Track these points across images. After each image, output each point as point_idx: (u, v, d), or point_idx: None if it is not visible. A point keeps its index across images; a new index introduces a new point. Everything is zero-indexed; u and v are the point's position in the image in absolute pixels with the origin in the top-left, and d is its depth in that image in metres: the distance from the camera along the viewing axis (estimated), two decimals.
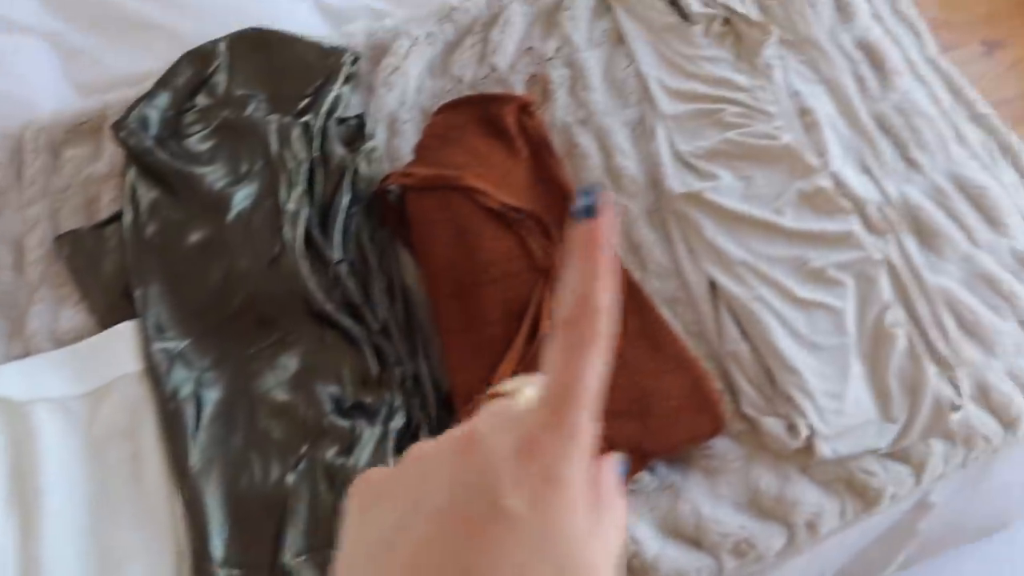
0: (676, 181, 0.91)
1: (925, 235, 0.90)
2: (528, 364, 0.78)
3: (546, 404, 0.27)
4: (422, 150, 0.90)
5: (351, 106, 0.98)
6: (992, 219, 0.91)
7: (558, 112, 0.99)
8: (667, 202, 0.91)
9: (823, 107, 0.97)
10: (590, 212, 0.28)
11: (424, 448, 0.29)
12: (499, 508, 0.25)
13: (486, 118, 0.92)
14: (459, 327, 0.81)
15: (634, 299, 0.83)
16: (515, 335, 0.79)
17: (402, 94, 1.00)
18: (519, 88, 1.01)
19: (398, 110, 0.99)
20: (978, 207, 0.92)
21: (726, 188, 0.90)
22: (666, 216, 0.91)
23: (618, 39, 1.05)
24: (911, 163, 0.95)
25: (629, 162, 0.95)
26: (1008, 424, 0.82)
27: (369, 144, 0.92)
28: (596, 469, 0.28)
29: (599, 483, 0.28)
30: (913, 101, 0.98)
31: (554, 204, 0.89)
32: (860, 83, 1.01)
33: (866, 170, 0.93)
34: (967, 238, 0.90)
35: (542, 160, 0.92)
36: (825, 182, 0.89)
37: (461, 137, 0.90)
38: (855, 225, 0.87)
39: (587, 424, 0.27)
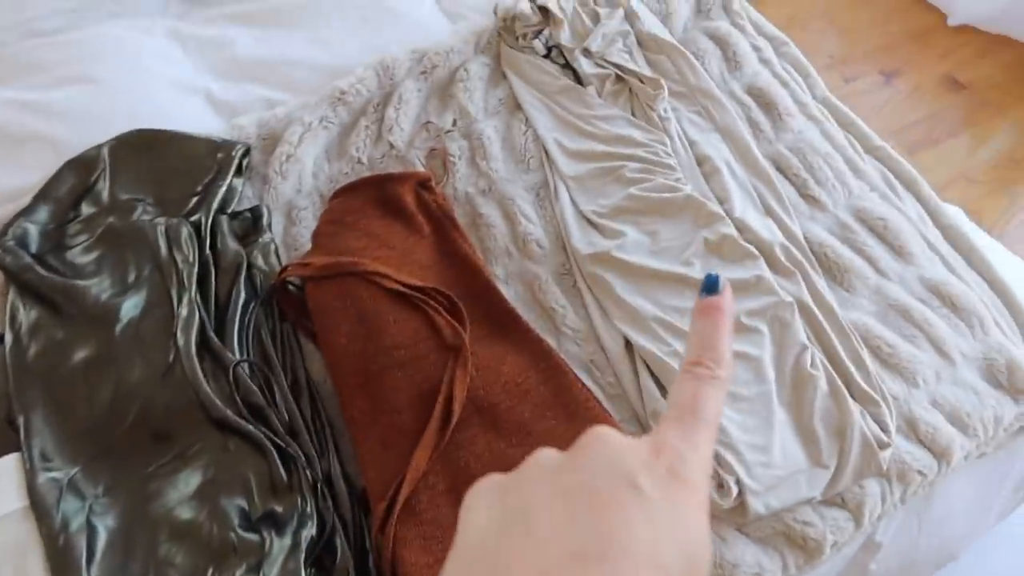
0: (582, 242, 0.90)
1: (834, 272, 0.90)
2: (446, 451, 0.75)
3: (675, 420, 0.31)
4: (319, 237, 0.87)
5: (245, 199, 0.95)
6: (897, 249, 0.92)
7: (459, 184, 0.98)
8: (576, 264, 0.90)
9: (720, 154, 0.97)
10: (712, 290, 0.34)
11: (545, 452, 0.30)
12: (634, 486, 0.27)
13: (383, 198, 0.90)
14: (367, 419, 0.77)
15: (546, 367, 0.80)
16: (427, 421, 0.75)
17: (298, 181, 0.97)
18: (419, 163, 1.00)
19: (295, 198, 0.96)
20: (882, 238, 0.93)
21: (632, 244, 0.89)
22: (576, 279, 0.90)
23: (514, 106, 1.05)
24: (812, 201, 0.96)
25: (534, 227, 0.93)
26: (940, 455, 0.81)
27: (264, 237, 0.89)
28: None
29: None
30: (808, 140, 1.00)
31: (460, 278, 0.87)
32: (754, 127, 1.02)
33: (768, 212, 0.93)
34: (875, 270, 0.90)
35: (445, 235, 0.90)
36: (729, 229, 0.89)
37: (358, 220, 0.88)
38: (763, 269, 0.87)
39: (709, 442, 0.31)
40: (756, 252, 0.88)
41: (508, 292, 0.89)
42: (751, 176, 0.96)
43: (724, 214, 0.91)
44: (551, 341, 0.85)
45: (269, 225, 0.91)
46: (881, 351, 0.85)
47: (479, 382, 0.78)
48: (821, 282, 0.88)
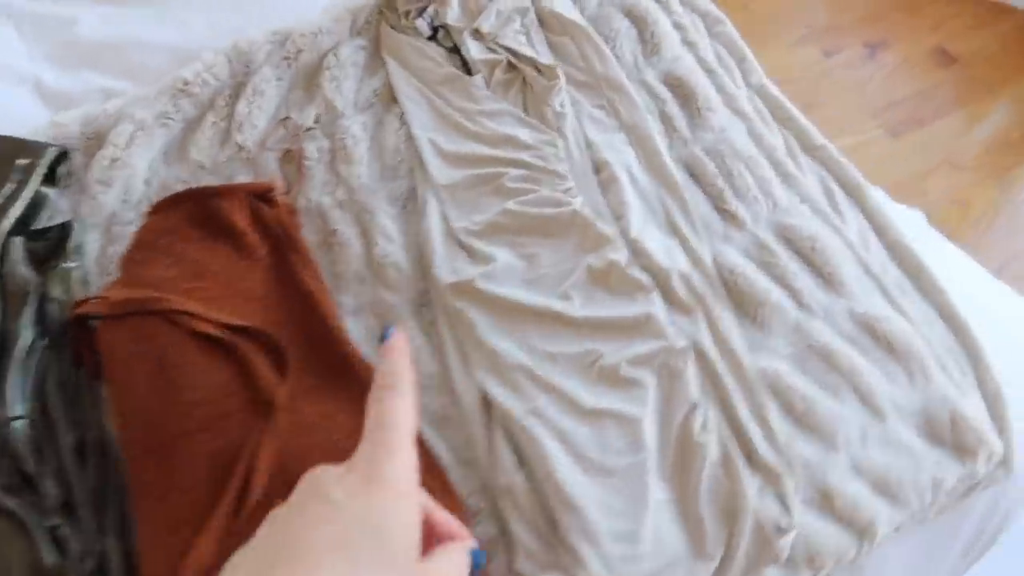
0: (445, 268, 0.76)
1: (746, 305, 0.75)
2: (238, 536, 0.61)
3: (367, 437, 0.38)
4: (126, 264, 0.73)
5: (59, 213, 0.81)
6: (826, 276, 0.77)
7: (313, 193, 0.83)
8: (436, 295, 0.75)
9: (622, 159, 0.82)
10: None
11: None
12: (326, 499, 0.35)
13: (206, 215, 0.75)
14: (155, 492, 0.63)
15: None
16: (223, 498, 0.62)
17: (124, 191, 0.83)
18: (272, 168, 0.85)
19: (120, 210, 0.82)
20: (808, 262, 0.78)
21: (503, 271, 0.74)
22: (436, 313, 0.75)
23: (391, 99, 0.89)
24: (728, 217, 0.80)
25: (394, 247, 0.78)
26: (862, 533, 0.67)
27: (68, 262, 0.75)
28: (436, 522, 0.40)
29: (432, 529, 0.39)
30: (730, 140, 0.84)
31: (293, 313, 0.73)
32: (667, 125, 0.86)
33: (673, 231, 0.78)
34: (796, 303, 0.75)
35: (283, 258, 0.76)
36: (618, 254, 0.74)
37: (172, 244, 0.73)
38: (655, 305, 0.72)
39: (404, 446, 0.37)
40: (648, 283, 0.73)
41: (356, 328, 0.75)
42: (657, 186, 0.81)
43: (615, 235, 0.76)
44: None
45: (78, 246, 0.77)
46: (794, 407, 0.70)
47: (295, 448, 0.65)
48: (728, 319, 0.73)
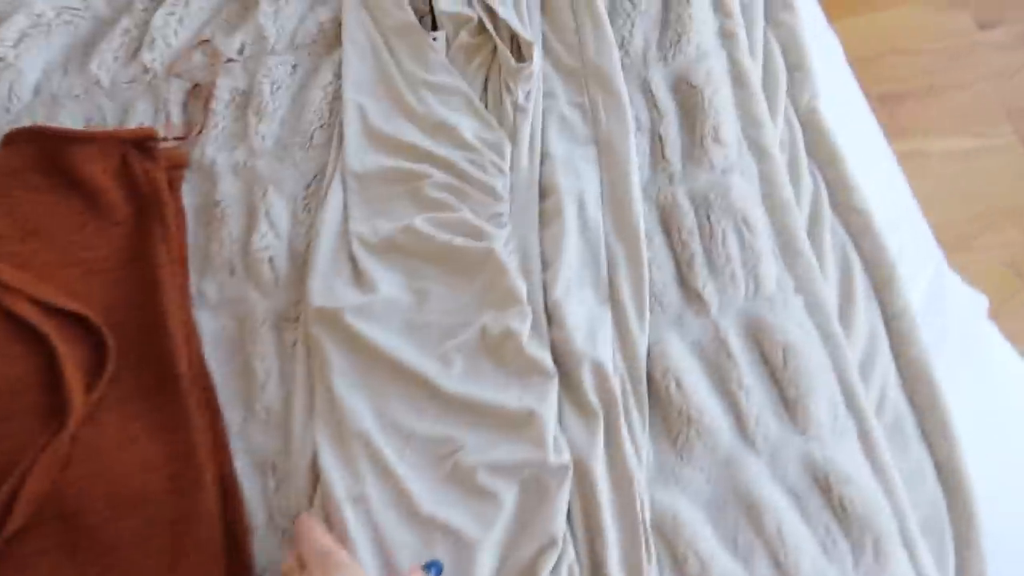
0: (320, 284, 0.62)
1: (669, 421, 0.58)
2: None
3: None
4: None
5: None
6: (791, 402, 0.59)
7: (210, 147, 0.69)
8: (304, 315, 0.62)
9: (579, 185, 0.64)
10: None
11: None
12: None
13: (57, 161, 0.63)
14: None
15: (184, 471, 0.56)
16: None
17: (7, 96, 0.71)
18: (175, 102, 0.71)
19: None
20: (775, 379, 0.60)
21: (384, 306, 0.60)
22: (299, 339, 0.62)
23: (336, 39, 0.73)
24: (690, 294, 0.62)
25: (277, 241, 0.65)
26: None
27: None
28: None
29: None
30: (727, 188, 0.64)
31: (136, 297, 0.62)
32: (656, 149, 0.67)
33: (611, 299, 0.61)
34: (738, 431, 0.59)
35: (145, 228, 0.64)
36: (521, 324, 0.58)
37: (9, 189, 0.62)
38: (546, 401, 0.56)
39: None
40: (549, 369, 0.57)
41: (210, 327, 0.63)
42: (612, 231, 0.63)
43: (530, 291, 0.59)
44: (235, 418, 0.61)
45: None
46: (687, 567, 0.55)
47: (78, 475, 0.56)
48: (638, 433, 0.57)
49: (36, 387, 0.58)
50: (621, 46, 0.70)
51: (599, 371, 0.58)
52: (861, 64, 0.93)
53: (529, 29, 0.69)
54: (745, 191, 0.64)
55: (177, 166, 0.67)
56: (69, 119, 0.71)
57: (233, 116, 0.70)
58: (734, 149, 0.66)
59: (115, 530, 0.55)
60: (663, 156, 0.66)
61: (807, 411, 0.59)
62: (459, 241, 0.61)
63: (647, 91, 0.68)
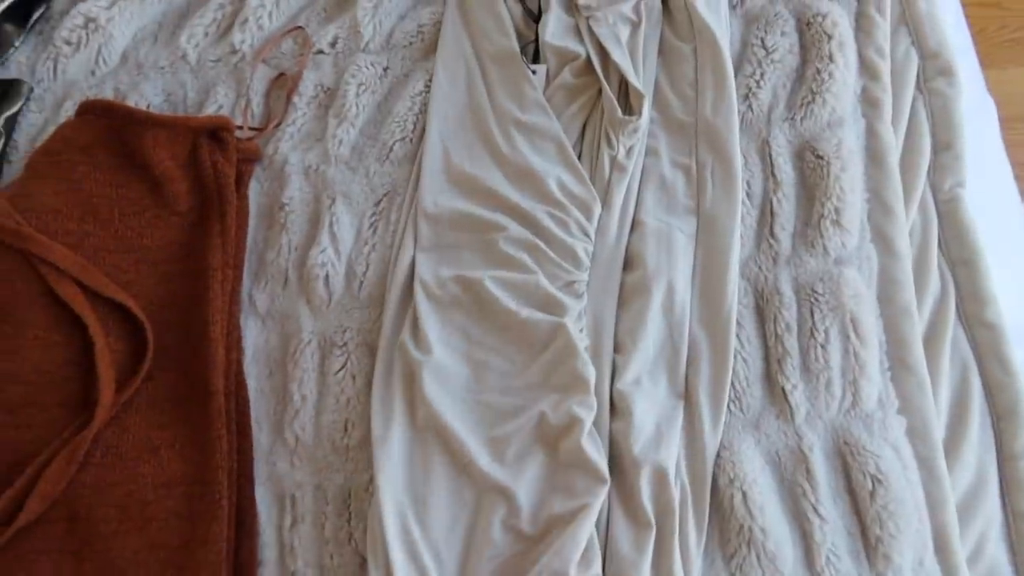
0: (389, 325, 0.57)
1: (726, 532, 0.52)
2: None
3: None
4: (28, 169, 0.61)
5: (14, 63, 0.69)
6: (873, 542, 0.52)
7: (284, 144, 0.65)
8: (384, 350, 0.58)
9: (670, 263, 0.57)
10: None
11: None
12: None
13: (127, 142, 0.60)
14: None
15: (200, 493, 0.53)
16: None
17: (94, 59, 0.69)
18: (258, 88, 0.68)
19: (82, 82, 0.69)
20: (856, 510, 0.52)
21: (436, 372, 0.55)
22: (346, 365, 0.58)
23: (433, 46, 0.67)
24: (775, 395, 0.55)
25: (336, 259, 0.61)
26: None
27: None
28: None
29: None
30: (839, 282, 0.56)
31: (183, 295, 0.59)
32: (764, 222, 0.59)
33: (685, 396, 0.54)
34: (806, 562, 0.52)
35: (206, 222, 0.61)
36: (585, 414, 0.52)
37: (75, 164, 0.60)
38: (589, 510, 0.50)
39: None
40: (605, 476, 0.51)
41: (254, 338, 0.60)
42: (700, 318, 0.56)
43: (591, 382, 0.53)
44: (263, 441, 0.57)
45: (11, 117, 0.66)
46: None
47: (94, 479, 0.53)
48: (692, 553, 0.51)
49: (72, 379, 0.56)
50: (745, 98, 0.62)
51: (660, 478, 0.52)
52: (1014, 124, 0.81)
53: (643, 75, 0.62)
54: (860, 289, 0.56)
55: (249, 160, 0.64)
56: (151, 91, 0.68)
57: (314, 114, 0.66)
58: (855, 237, 0.58)
59: (121, 543, 0.53)
60: (771, 232, 0.59)
61: (889, 557, 0.51)
62: (525, 313, 0.55)
63: (766, 154, 0.61)
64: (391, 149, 0.64)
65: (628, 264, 0.58)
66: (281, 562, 0.55)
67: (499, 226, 0.58)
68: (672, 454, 0.52)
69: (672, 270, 0.57)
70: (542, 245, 0.57)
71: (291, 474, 0.57)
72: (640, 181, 0.60)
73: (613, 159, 0.59)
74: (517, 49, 0.64)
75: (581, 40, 0.64)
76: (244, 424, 0.57)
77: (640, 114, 0.60)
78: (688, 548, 0.51)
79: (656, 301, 0.56)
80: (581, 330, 0.55)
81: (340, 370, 0.58)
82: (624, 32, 0.63)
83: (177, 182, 0.61)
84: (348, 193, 0.63)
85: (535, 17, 0.66)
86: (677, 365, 0.55)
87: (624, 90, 0.62)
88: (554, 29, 0.64)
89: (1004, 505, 0.57)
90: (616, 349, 0.55)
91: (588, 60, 0.63)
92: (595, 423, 0.53)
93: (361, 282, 0.60)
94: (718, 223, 0.58)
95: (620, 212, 0.59)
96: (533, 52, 0.65)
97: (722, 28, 0.63)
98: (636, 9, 0.64)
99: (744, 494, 0.52)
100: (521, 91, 0.63)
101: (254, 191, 0.65)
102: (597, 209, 0.58)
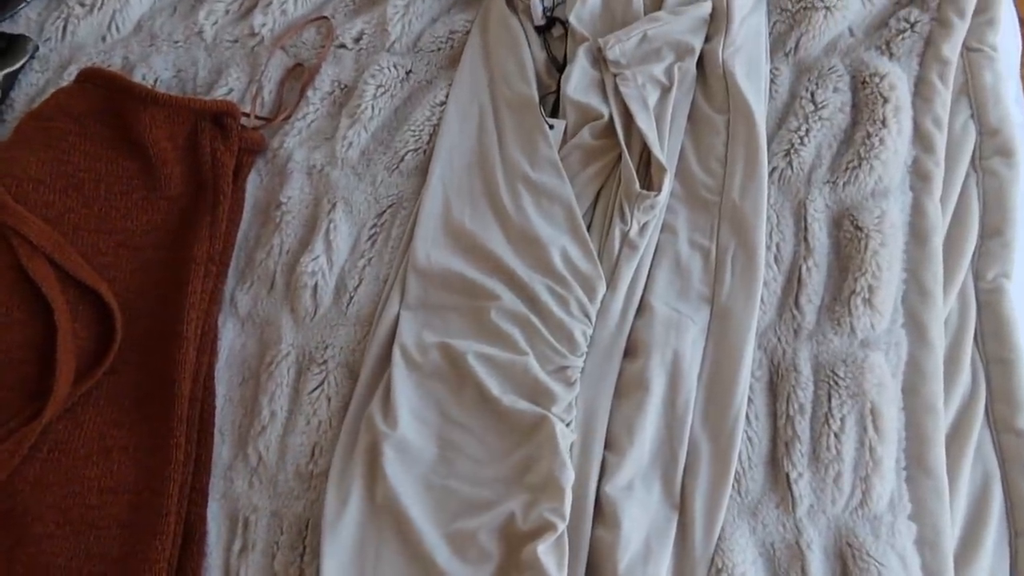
0: (360, 396, 0.53)
1: None
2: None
3: None
4: (15, 134, 0.58)
5: (22, 18, 0.66)
6: None
7: (290, 139, 0.62)
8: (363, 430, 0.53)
9: (675, 352, 0.52)
10: None
11: None
12: None
13: (123, 116, 0.57)
14: None
15: (148, 499, 0.50)
16: None
17: (106, 24, 0.66)
18: (272, 76, 0.64)
19: (91, 47, 0.66)
20: None
21: (408, 449, 0.51)
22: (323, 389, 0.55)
23: (457, 57, 0.64)
24: (779, 484, 0.51)
25: (327, 271, 0.57)
26: None
27: None
28: None
29: None
30: (863, 368, 0.52)
31: (162, 285, 0.55)
32: (789, 291, 0.55)
33: (673, 500, 0.50)
34: None
35: (196, 214, 0.57)
36: (556, 521, 0.47)
37: (66, 133, 0.57)
38: None
39: None
40: None
41: (230, 341, 0.57)
42: (704, 420, 0.51)
43: (568, 489, 0.48)
44: (224, 454, 0.54)
45: (10, 74, 0.63)
46: None
47: (37, 475, 0.50)
48: None
49: (28, 362, 0.52)
50: (786, 154, 0.58)
51: None
52: None
53: (668, 145, 0.58)
54: (885, 378, 0.52)
55: (251, 150, 0.61)
56: (161, 64, 0.65)
57: (327, 111, 0.63)
58: (886, 319, 0.54)
59: (55, 547, 0.49)
60: (796, 302, 0.55)
61: None
62: (508, 401, 0.51)
63: (801, 216, 0.57)
64: (402, 159, 0.61)
65: (630, 352, 0.53)
66: None
67: (492, 294, 0.54)
68: (660, 574, 0.48)
69: (678, 363, 0.52)
70: (537, 322, 0.53)
71: (248, 495, 0.53)
72: (653, 259, 0.56)
73: (625, 235, 0.55)
74: (536, 98, 0.60)
75: (605, 98, 0.59)
76: (206, 433, 0.54)
77: (660, 190, 0.55)
78: None
79: (657, 396, 0.51)
80: (569, 424, 0.51)
81: (316, 389, 0.55)
82: (653, 96, 0.59)
83: (171, 165, 0.58)
84: (350, 200, 0.59)
85: (559, 67, 0.62)
86: (674, 471, 0.50)
87: (646, 160, 0.58)
88: (577, 83, 0.60)
89: None
90: (608, 446, 0.51)
91: (611, 121, 0.59)
92: (577, 528, 0.49)
93: (351, 297, 0.57)
94: (733, 317, 0.54)
95: (626, 294, 0.54)
96: (553, 104, 0.61)
97: (761, 103, 0.59)
98: (669, 72, 0.60)
99: None
100: (535, 145, 0.58)
101: (252, 184, 0.61)
102: (601, 289, 0.54)
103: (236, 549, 0.52)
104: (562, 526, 0.47)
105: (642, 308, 0.54)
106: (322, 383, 0.55)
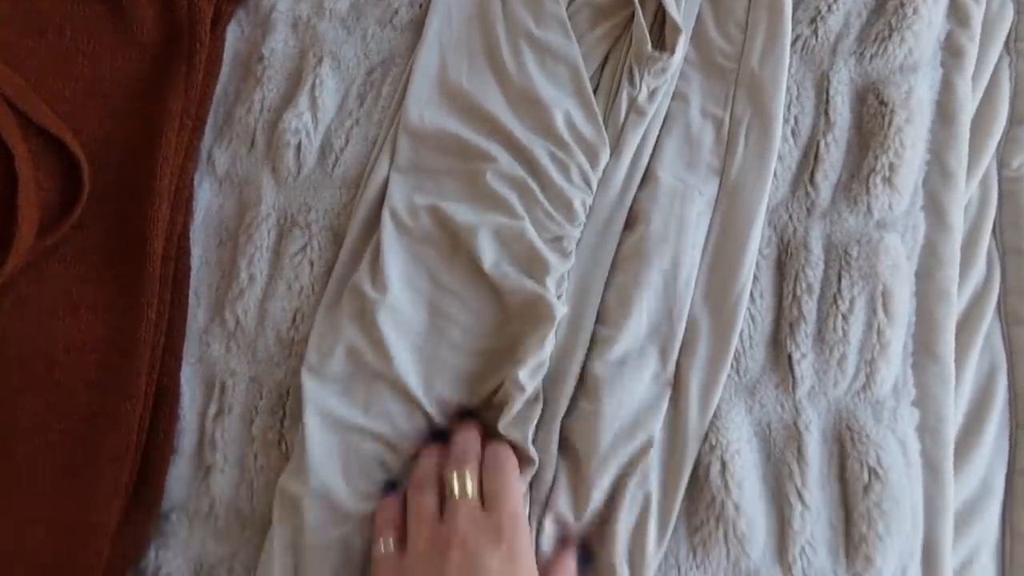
0: (346, 257, 0.51)
1: (695, 505, 0.47)
2: None
3: (495, 509, 0.42)
4: None
5: None
6: (855, 539, 0.47)
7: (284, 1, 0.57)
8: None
9: (683, 227, 0.49)
10: None
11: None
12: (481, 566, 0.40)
13: None
14: None
15: (124, 353, 0.48)
16: None
17: None
18: None
19: None
20: (847, 502, 0.47)
21: (399, 313, 0.48)
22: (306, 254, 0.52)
23: None
24: (780, 364, 0.49)
25: (311, 130, 0.53)
26: None
27: None
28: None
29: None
30: (876, 247, 0.49)
31: (137, 136, 0.51)
32: (805, 166, 0.52)
33: (674, 388, 0.48)
34: (776, 551, 0.47)
35: (170, 62, 0.53)
36: (516, 390, 0.45)
37: None
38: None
39: (524, 521, 0.43)
40: (533, 456, 0.46)
41: (207, 201, 0.54)
42: (705, 295, 0.49)
43: (537, 363, 0.46)
44: (199, 318, 0.51)
45: None
46: None
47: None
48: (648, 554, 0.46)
49: None
50: (812, 21, 0.53)
51: (622, 477, 0.46)
52: None
53: (684, 6, 0.53)
54: (899, 260, 0.50)
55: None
56: None
57: None
58: (906, 200, 0.51)
59: (19, 403, 0.47)
60: (811, 178, 0.51)
61: (871, 559, 0.46)
62: (499, 273, 0.48)
63: (823, 89, 0.53)
64: (396, 12, 0.56)
65: (630, 223, 0.50)
66: (199, 454, 0.50)
67: (489, 156, 0.50)
68: (648, 448, 0.46)
69: (681, 235, 0.49)
70: (535, 188, 0.49)
71: (225, 359, 0.51)
72: (661, 128, 0.52)
73: (632, 100, 0.51)
74: None
75: None
76: (180, 295, 0.51)
77: (673, 52, 0.51)
78: (644, 552, 0.46)
79: (655, 270, 0.48)
80: (560, 296, 0.48)
81: (298, 253, 0.52)
82: None
83: (144, 7, 0.53)
84: (338, 55, 0.55)
85: None
86: (671, 348, 0.48)
87: (660, 20, 0.53)
88: None
89: (1004, 521, 0.52)
90: (600, 320, 0.48)
91: None
92: (557, 400, 0.47)
93: (337, 158, 0.53)
94: (744, 191, 0.50)
95: (631, 162, 0.51)
96: None
97: None
98: None
99: (724, 464, 0.47)
100: (540, 1, 0.54)
101: (232, 35, 0.57)
102: (605, 156, 0.50)
103: (212, 413, 0.50)
104: (522, 397, 0.45)
105: (647, 178, 0.51)
106: (304, 247, 0.52)
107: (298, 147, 0.53)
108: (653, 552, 0.46)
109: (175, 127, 0.52)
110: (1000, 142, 0.56)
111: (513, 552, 0.41)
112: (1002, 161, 0.56)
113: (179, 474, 0.49)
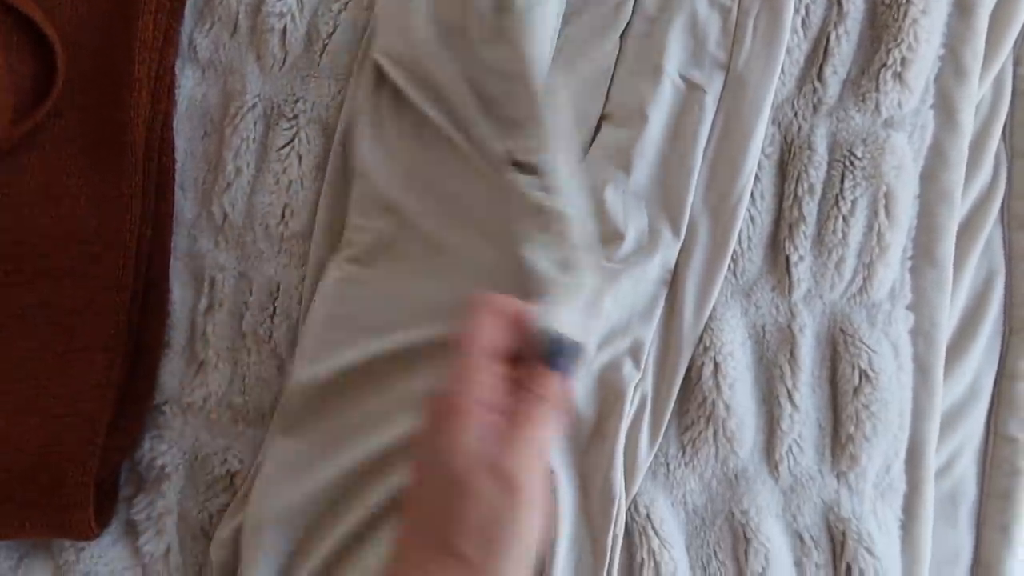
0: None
1: (686, 405, 0.47)
2: None
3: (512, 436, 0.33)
4: None
5: None
6: (842, 438, 0.47)
7: None
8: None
9: (683, 117, 0.48)
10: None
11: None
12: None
13: None
14: None
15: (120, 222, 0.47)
16: None
17: None
18: None
19: None
20: (836, 402, 0.48)
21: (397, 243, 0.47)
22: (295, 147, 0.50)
23: None
24: (778, 266, 0.48)
25: (296, 14, 0.50)
26: None
27: None
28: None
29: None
30: (882, 147, 0.48)
31: (114, 18, 0.49)
32: (813, 60, 0.50)
33: (671, 287, 0.47)
34: (764, 449, 0.48)
35: None
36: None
37: None
38: None
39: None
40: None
41: (190, 90, 0.51)
42: (704, 197, 0.47)
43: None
44: (186, 212, 0.50)
45: None
46: (642, 572, 0.47)
47: None
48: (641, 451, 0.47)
49: None
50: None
51: (612, 374, 0.46)
52: None
53: None
54: (905, 161, 0.48)
55: None
56: None
57: None
58: (916, 98, 0.49)
59: (8, 296, 0.47)
60: (819, 73, 0.49)
61: (856, 457, 0.47)
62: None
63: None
64: None
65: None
66: (190, 348, 0.50)
67: None
68: (642, 347, 0.46)
69: (681, 131, 0.48)
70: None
71: (214, 254, 0.50)
72: (666, 21, 0.49)
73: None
74: None
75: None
76: (165, 187, 0.50)
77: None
78: (636, 455, 0.46)
79: (653, 166, 0.47)
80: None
81: (285, 146, 0.50)
82: None
83: None
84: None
85: None
86: (671, 247, 0.47)
87: None
88: None
89: (988, 424, 0.53)
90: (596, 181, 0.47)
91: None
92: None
93: (324, 45, 0.51)
94: (749, 86, 0.48)
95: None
96: None
97: None
98: None
99: (716, 365, 0.47)
100: None
101: None
102: None
103: (202, 308, 0.50)
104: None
105: (651, 72, 0.49)
106: (292, 139, 0.50)
107: (283, 32, 0.51)
108: (646, 451, 0.47)
109: (152, 9, 0.49)
110: (1018, 38, 0.54)
111: None
112: (1019, 58, 0.54)
113: (172, 368, 0.49)
